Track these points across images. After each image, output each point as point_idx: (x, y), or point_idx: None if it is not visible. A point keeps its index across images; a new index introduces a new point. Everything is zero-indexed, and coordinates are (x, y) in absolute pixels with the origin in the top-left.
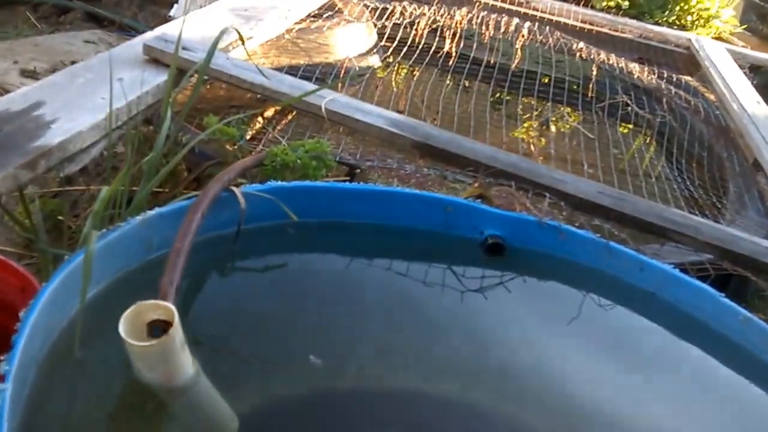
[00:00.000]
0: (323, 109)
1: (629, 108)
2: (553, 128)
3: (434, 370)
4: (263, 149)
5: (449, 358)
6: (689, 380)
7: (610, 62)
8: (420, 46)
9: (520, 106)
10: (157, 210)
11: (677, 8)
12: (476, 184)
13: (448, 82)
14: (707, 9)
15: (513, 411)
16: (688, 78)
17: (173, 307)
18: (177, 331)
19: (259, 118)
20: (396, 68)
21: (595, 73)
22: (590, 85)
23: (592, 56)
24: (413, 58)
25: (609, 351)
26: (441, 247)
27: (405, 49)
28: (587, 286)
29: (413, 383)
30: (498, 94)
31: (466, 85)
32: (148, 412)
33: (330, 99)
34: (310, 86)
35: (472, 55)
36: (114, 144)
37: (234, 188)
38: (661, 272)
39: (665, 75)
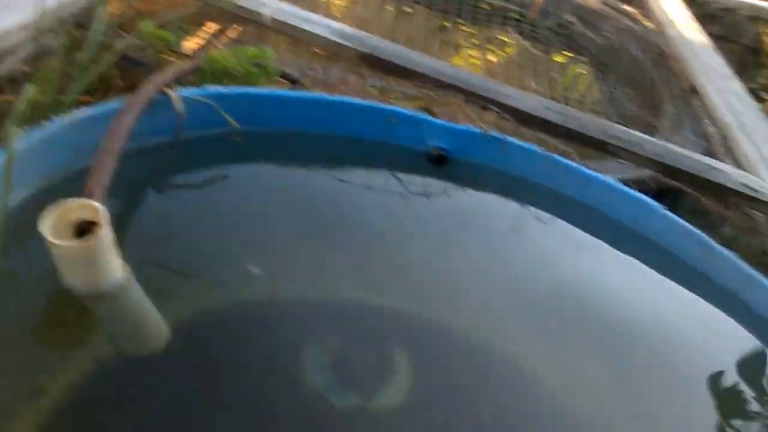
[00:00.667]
0: (268, 18)
1: (574, 27)
2: (493, 58)
3: (375, 281)
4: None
5: (390, 268)
6: (627, 294)
7: None
8: None
9: (462, 32)
10: (86, 109)
11: None
12: (422, 97)
13: (389, 8)
14: None
15: (452, 322)
16: (627, 7)
17: (101, 207)
18: (105, 232)
19: (200, 34)
20: None
21: None
22: (533, 7)
23: None
24: None
25: (549, 264)
26: (384, 159)
27: None
28: (530, 200)
29: (354, 294)
30: (440, 20)
31: (408, 11)
32: (74, 320)
33: (272, 6)
34: None
35: None
36: (44, 51)
37: (170, 91)
38: (604, 185)
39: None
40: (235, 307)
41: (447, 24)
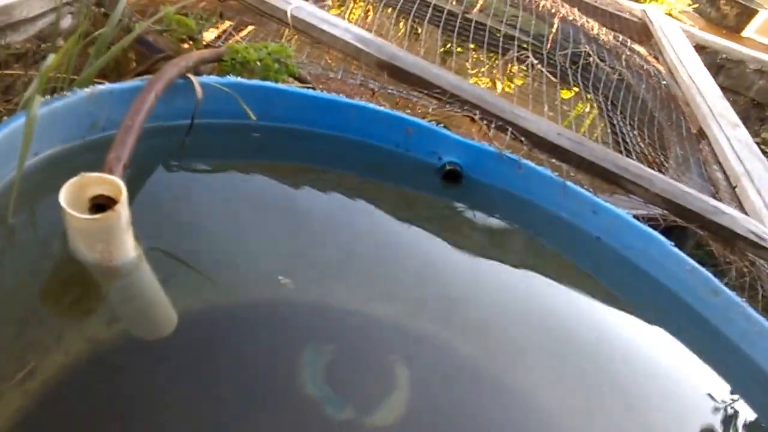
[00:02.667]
0: (289, 15)
1: (590, 59)
2: (502, 86)
3: (378, 293)
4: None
5: (394, 281)
6: (628, 323)
7: (572, 18)
8: None
9: (473, 57)
10: (107, 85)
11: None
12: (439, 110)
13: (401, 26)
14: None
15: (452, 340)
16: (639, 47)
17: (121, 182)
18: (123, 208)
19: (219, 27)
20: (349, 5)
21: (555, 26)
22: (549, 36)
23: (555, 9)
24: None
25: (553, 290)
26: (397, 169)
27: None
28: (539, 226)
29: (355, 303)
30: (450, 45)
31: (419, 31)
32: (80, 291)
33: (296, 6)
34: None
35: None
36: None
37: (191, 76)
38: (613, 216)
39: (620, 38)
40: (234, 304)
41: (459, 48)
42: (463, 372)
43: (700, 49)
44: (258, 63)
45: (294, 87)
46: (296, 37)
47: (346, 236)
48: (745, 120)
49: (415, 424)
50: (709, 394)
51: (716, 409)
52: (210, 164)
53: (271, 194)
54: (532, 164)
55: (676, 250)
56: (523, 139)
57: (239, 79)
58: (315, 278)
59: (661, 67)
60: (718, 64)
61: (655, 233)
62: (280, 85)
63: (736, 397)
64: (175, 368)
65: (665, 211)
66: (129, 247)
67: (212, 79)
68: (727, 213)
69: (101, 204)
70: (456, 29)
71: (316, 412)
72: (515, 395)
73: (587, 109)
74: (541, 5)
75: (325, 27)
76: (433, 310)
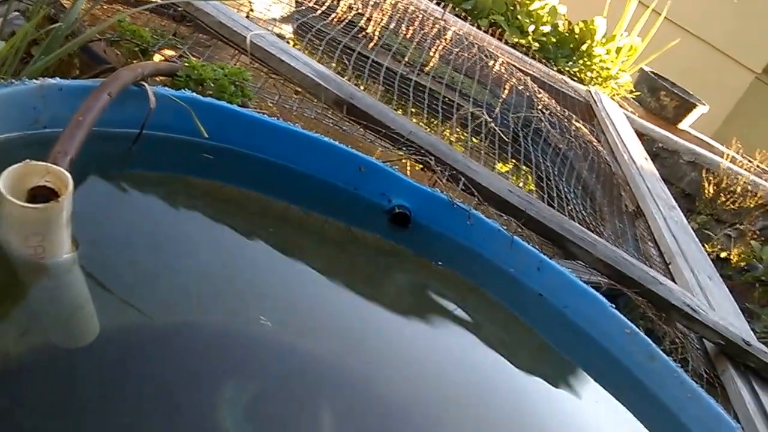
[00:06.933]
0: (248, 42)
1: (542, 124)
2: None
3: (310, 329)
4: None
5: (329, 319)
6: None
7: (522, 86)
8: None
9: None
10: (57, 80)
11: (581, 62)
12: (394, 152)
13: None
14: (608, 69)
15: (384, 385)
16: (581, 125)
17: (68, 175)
18: (68, 202)
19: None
20: (305, 47)
21: (506, 92)
22: (499, 105)
23: (507, 75)
24: (325, 41)
25: (490, 342)
26: (345, 206)
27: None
28: (483, 277)
29: (286, 337)
30: (395, 103)
31: (362, 88)
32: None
33: (256, 33)
34: (234, 13)
35: (385, 64)
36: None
37: (146, 84)
38: (557, 274)
39: (566, 113)
40: (151, 326)
41: (413, 109)
42: (392, 418)
43: (639, 135)
44: (213, 83)
45: (251, 111)
46: (249, 64)
47: (283, 268)
48: None
49: None
50: None
51: None
52: (152, 178)
53: (211, 216)
54: (482, 216)
55: (616, 312)
56: (474, 191)
57: (195, 95)
58: (244, 307)
59: (597, 143)
60: (653, 153)
61: (597, 294)
62: (237, 107)
63: None
64: (87, 388)
65: (606, 278)
66: (65, 246)
67: (167, 91)
68: (664, 284)
69: (41, 196)
70: (410, 92)
71: None
72: None
73: (531, 173)
74: (494, 71)
75: (284, 58)
76: (366, 352)
